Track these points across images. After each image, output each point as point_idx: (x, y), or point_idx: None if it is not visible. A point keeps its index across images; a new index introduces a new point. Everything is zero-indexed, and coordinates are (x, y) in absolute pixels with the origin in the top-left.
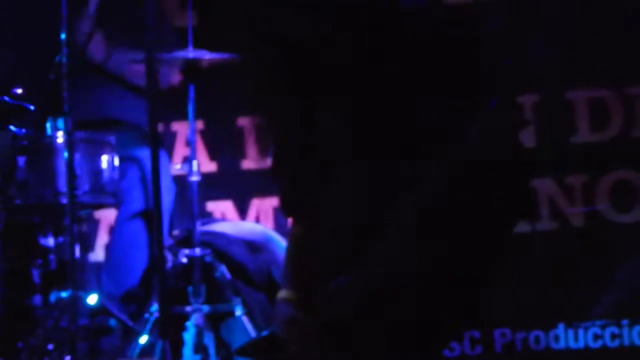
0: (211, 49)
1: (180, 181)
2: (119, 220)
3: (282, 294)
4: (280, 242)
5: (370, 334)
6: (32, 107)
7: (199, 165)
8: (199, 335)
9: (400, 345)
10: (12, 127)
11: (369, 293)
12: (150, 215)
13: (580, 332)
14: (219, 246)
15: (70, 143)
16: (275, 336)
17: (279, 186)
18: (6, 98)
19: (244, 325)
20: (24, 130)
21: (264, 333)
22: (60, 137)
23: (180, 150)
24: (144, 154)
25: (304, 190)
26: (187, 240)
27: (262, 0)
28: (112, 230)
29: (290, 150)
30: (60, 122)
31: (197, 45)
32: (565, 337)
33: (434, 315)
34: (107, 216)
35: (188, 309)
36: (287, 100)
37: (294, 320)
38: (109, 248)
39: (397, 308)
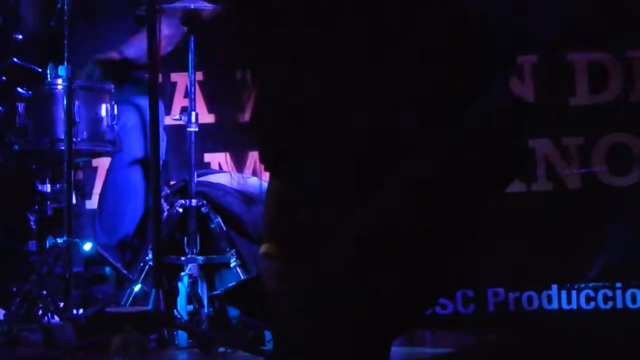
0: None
1: (179, 132)
2: (114, 167)
3: (263, 248)
4: None
5: (361, 287)
6: (40, 70)
7: (197, 116)
8: (192, 286)
9: (388, 303)
10: (20, 90)
11: (365, 246)
12: (147, 163)
13: (573, 293)
14: (215, 197)
15: (69, 90)
16: (254, 284)
17: (257, 139)
18: (15, 59)
19: (238, 276)
20: (30, 92)
21: (240, 281)
22: (60, 84)
23: (179, 101)
24: (144, 102)
25: (283, 143)
26: (183, 191)
27: None
28: (106, 177)
29: (271, 103)
30: (61, 69)
31: None
32: (558, 298)
33: (424, 277)
34: (105, 164)
35: (182, 259)
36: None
37: (280, 273)
38: (102, 195)
39: (389, 265)
